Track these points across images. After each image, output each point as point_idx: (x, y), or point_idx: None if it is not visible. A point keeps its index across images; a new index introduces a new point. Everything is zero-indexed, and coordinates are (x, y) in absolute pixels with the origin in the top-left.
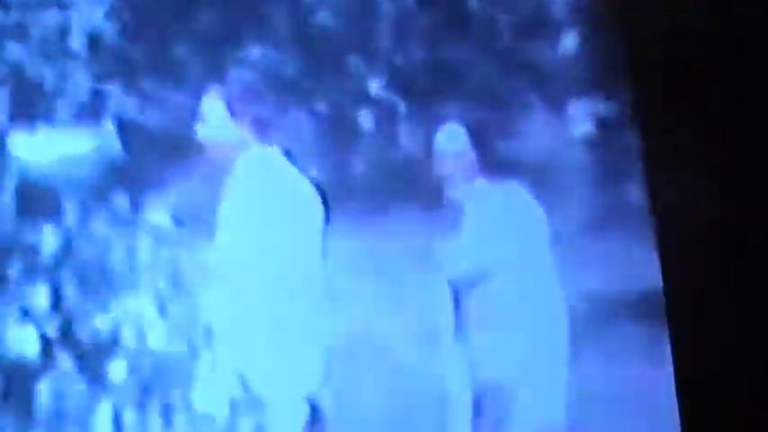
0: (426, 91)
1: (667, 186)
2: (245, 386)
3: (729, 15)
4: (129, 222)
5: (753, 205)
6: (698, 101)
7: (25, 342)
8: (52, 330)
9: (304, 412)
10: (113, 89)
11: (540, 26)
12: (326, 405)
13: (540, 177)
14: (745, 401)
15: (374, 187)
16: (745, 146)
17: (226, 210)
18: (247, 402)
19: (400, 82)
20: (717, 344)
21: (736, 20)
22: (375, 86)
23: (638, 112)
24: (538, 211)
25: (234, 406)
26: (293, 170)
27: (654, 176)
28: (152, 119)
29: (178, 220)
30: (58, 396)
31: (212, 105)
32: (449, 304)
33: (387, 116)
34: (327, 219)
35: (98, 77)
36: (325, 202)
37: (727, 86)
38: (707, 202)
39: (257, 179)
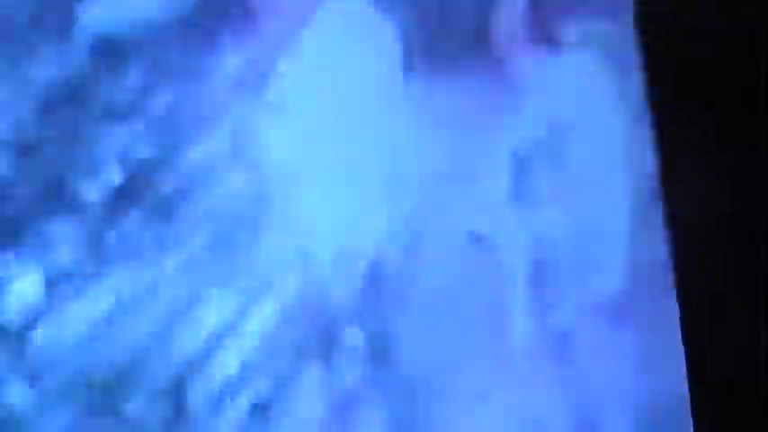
0: None
1: (677, 183)
2: (311, 238)
3: (738, 15)
4: (198, 76)
5: (762, 202)
6: (707, 99)
7: (92, 191)
8: (119, 180)
9: (365, 267)
10: None
11: None
12: (389, 263)
13: (609, 48)
14: (765, 405)
15: (448, 43)
16: (755, 143)
17: (306, 47)
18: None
19: None
20: (734, 346)
21: (745, 19)
22: None
23: (648, 110)
24: (604, 80)
25: (298, 254)
26: (374, 13)
27: (663, 173)
28: None
29: (251, 71)
30: (127, 246)
31: None
32: (511, 171)
33: None
34: (409, 64)
35: None
36: (408, 48)
37: (736, 84)
38: (716, 198)
39: (335, 22)
